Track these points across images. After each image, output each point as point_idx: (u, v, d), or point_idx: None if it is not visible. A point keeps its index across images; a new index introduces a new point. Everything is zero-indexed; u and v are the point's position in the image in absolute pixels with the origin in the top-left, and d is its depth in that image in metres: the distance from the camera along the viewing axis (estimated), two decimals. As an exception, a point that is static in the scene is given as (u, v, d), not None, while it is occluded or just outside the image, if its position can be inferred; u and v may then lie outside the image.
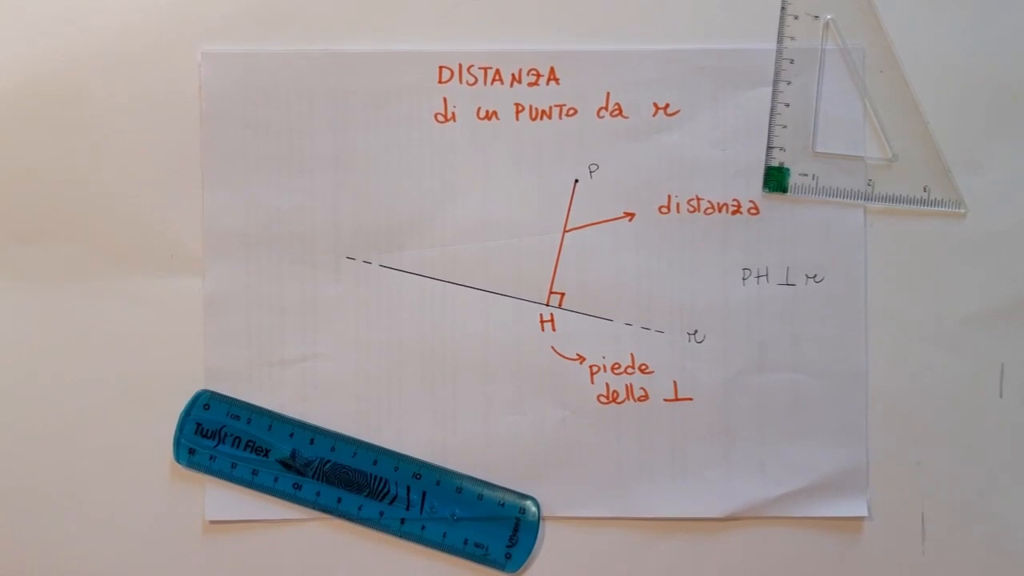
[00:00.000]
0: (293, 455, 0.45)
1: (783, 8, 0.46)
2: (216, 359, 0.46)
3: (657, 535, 0.46)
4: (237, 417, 0.45)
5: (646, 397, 0.46)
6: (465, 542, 0.45)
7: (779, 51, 0.46)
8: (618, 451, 0.46)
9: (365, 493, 0.45)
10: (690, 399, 0.46)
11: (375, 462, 0.45)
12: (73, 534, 0.45)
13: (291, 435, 0.45)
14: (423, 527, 0.45)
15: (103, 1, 0.46)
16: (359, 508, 0.45)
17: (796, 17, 0.46)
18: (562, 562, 0.46)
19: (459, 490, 0.45)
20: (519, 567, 0.45)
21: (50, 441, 0.46)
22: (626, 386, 0.46)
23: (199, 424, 0.45)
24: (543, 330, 0.46)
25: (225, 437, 0.45)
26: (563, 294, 0.46)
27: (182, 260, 0.46)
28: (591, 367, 0.46)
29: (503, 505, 0.45)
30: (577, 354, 0.46)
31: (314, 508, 0.45)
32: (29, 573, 0.45)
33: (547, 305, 0.46)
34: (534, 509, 0.45)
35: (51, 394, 0.46)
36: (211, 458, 0.45)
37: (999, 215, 0.46)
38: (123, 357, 0.46)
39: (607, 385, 0.46)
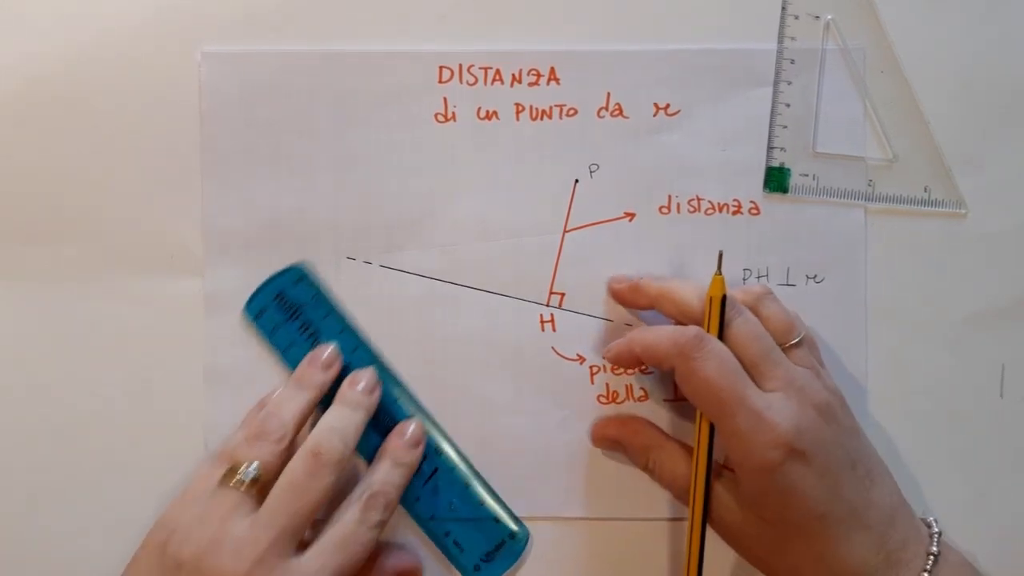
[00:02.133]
0: (344, 369, 0.45)
1: (783, 8, 0.46)
2: (216, 359, 0.46)
3: (657, 535, 0.46)
4: (318, 306, 0.45)
5: (646, 397, 0.46)
6: (447, 534, 0.45)
7: (779, 51, 0.46)
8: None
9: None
10: (690, 399, 0.46)
11: (411, 416, 0.45)
12: (73, 534, 0.45)
13: (354, 350, 0.45)
14: (418, 499, 0.45)
15: (103, 1, 0.46)
16: (372, 449, 0.44)
17: (796, 17, 0.46)
18: (561, 562, 0.46)
19: (467, 486, 0.45)
20: None
21: (50, 441, 0.45)
22: (626, 386, 0.46)
23: (281, 293, 0.45)
24: (543, 330, 0.46)
25: (298, 317, 0.45)
26: (563, 294, 0.46)
27: (182, 260, 0.46)
28: (591, 367, 0.46)
29: (497, 521, 0.45)
30: (577, 354, 0.46)
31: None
32: (29, 573, 0.45)
33: (547, 305, 0.46)
34: (523, 539, 0.45)
35: (51, 394, 0.46)
36: (274, 328, 0.45)
37: (999, 215, 0.46)
38: (123, 357, 0.46)
39: (607, 385, 0.46)
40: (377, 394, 0.43)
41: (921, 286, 0.46)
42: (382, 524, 0.41)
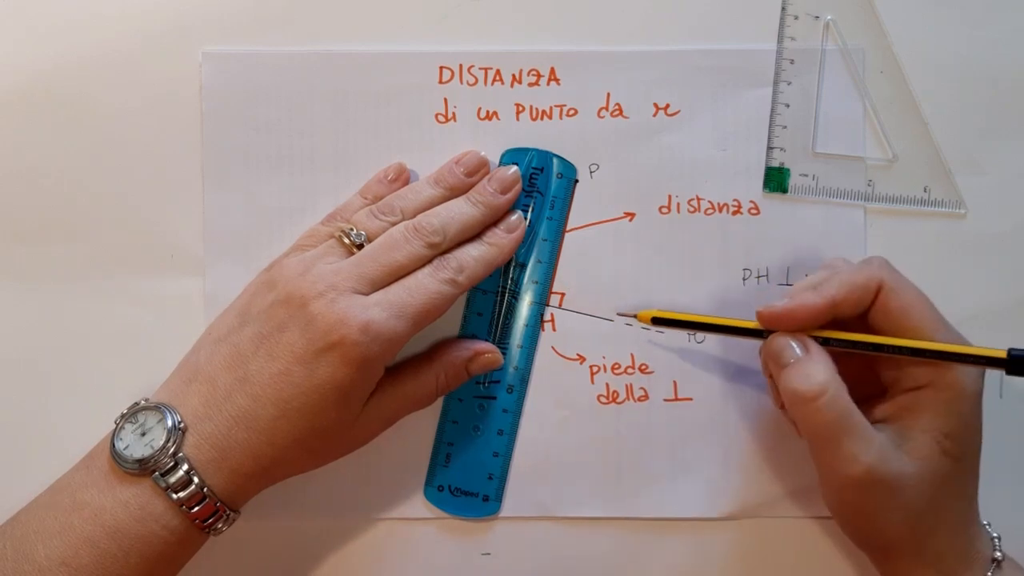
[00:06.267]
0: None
1: (783, 8, 0.46)
2: (216, 359, 0.46)
3: (657, 535, 0.46)
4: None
5: (646, 397, 0.46)
6: (450, 444, 0.45)
7: (779, 51, 0.46)
8: (618, 451, 0.46)
9: (487, 331, 0.46)
10: (690, 399, 0.46)
11: (506, 344, 0.46)
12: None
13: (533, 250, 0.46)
14: (461, 400, 0.46)
15: (104, 2, 0.46)
16: (473, 335, 0.46)
17: (796, 17, 0.46)
18: (562, 562, 0.46)
19: (500, 433, 0.45)
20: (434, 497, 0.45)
21: (50, 441, 0.45)
22: (626, 386, 0.46)
23: None
24: (543, 330, 0.46)
25: None
26: (563, 294, 0.46)
27: (182, 260, 0.46)
28: (591, 367, 0.46)
29: (491, 479, 0.45)
30: (577, 354, 0.46)
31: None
32: None
33: (547, 305, 0.46)
34: (491, 511, 0.45)
35: (51, 394, 0.46)
36: None
37: (999, 215, 0.46)
38: (123, 357, 0.46)
39: (607, 385, 0.46)
40: (507, 199, 0.44)
41: (920, 286, 0.46)
42: (454, 283, 0.41)
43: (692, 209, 0.46)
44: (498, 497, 0.46)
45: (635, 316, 0.44)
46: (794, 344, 0.40)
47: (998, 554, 0.40)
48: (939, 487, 0.38)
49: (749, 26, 0.46)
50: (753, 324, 0.41)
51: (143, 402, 0.40)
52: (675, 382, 0.46)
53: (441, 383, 0.43)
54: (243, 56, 0.46)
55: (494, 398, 0.45)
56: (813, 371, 0.38)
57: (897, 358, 0.39)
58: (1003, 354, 0.38)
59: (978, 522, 0.40)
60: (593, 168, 0.46)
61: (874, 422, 0.39)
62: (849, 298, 0.39)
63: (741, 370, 0.46)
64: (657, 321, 0.44)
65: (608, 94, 0.46)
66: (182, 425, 0.39)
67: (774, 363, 0.40)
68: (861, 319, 0.40)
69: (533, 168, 0.46)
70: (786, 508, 0.46)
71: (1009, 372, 0.38)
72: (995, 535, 0.41)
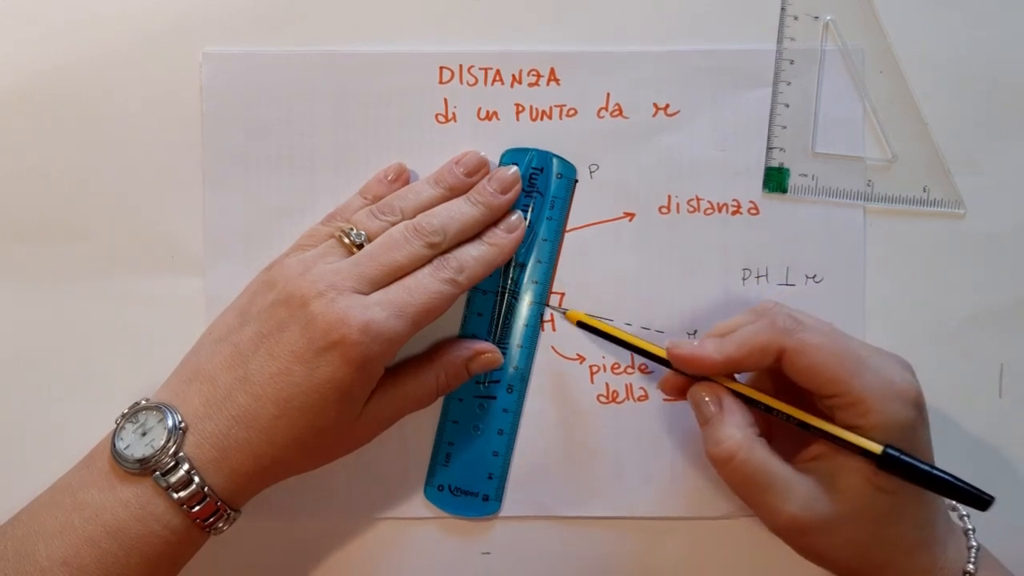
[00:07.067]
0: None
1: (783, 9, 0.46)
2: (216, 359, 0.46)
3: (657, 535, 0.46)
4: None
5: (646, 397, 0.46)
6: (450, 443, 0.46)
7: (779, 52, 0.46)
8: (618, 451, 0.46)
9: (487, 331, 0.46)
10: (690, 399, 0.46)
11: (506, 344, 0.46)
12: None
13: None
14: (461, 400, 0.46)
15: (105, 3, 0.46)
16: (473, 335, 0.46)
17: (796, 18, 0.46)
18: (562, 562, 0.46)
19: (500, 433, 0.45)
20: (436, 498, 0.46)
21: (50, 441, 0.45)
22: (626, 386, 0.46)
23: None
24: (543, 330, 0.46)
25: None
26: (563, 294, 0.46)
27: (182, 260, 0.46)
28: (591, 367, 0.46)
29: (490, 478, 0.45)
30: (577, 354, 0.46)
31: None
32: None
33: (547, 305, 0.46)
34: (491, 511, 0.46)
35: (51, 394, 0.46)
36: None
37: (999, 215, 0.46)
38: (123, 357, 0.46)
39: (607, 385, 0.46)
40: (507, 199, 0.44)
41: (920, 286, 0.46)
42: (454, 283, 0.41)
43: (692, 209, 0.46)
44: (498, 497, 0.46)
45: (564, 313, 0.45)
46: (708, 401, 0.41)
47: (970, 566, 0.40)
48: (880, 521, 0.38)
49: (749, 26, 0.46)
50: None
51: (144, 402, 0.40)
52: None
53: (441, 383, 0.43)
54: (243, 56, 0.46)
55: (494, 398, 0.46)
56: (722, 435, 0.39)
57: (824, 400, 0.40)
58: (878, 449, 0.38)
59: (940, 541, 0.40)
60: (593, 168, 0.46)
61: (810, 458, 0.40)
62: (748, 358, 0.40)
63: (741, 370, 0.46)
64: (582, 325, 0.45)
65: (608, 94, 0.46)
66: (183, 425, 0.39)
67: (697, 415, 0.41)
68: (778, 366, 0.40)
69: (533, 168, 0.46)
70: (786, 508, 0.46)
71: (879, 467, 0.38)
72: (973, 544, 0.40)
